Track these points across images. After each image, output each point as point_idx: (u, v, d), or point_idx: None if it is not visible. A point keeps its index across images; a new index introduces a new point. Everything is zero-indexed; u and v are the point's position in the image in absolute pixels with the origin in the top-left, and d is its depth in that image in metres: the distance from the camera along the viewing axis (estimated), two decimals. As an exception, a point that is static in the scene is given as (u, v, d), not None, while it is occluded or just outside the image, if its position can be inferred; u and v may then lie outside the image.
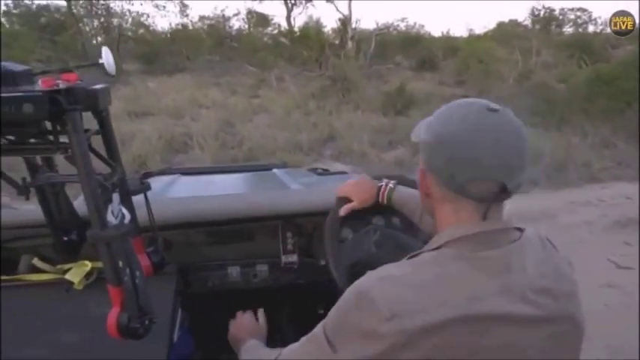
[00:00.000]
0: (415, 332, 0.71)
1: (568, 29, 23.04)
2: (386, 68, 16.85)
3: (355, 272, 1.21)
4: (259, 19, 24.15)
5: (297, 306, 1.85)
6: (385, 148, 7.91)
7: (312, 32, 20.50)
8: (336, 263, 1.23)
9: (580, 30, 22.69)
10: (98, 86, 0.99)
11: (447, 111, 0.83)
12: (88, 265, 1.36)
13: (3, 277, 1.37)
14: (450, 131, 0.79)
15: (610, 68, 8.81)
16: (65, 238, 1.29)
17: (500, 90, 11.90)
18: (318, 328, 0.86)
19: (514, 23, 22.88)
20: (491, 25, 22.73)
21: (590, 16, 23.84)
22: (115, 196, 1.05)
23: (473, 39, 20.25)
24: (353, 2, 19.86)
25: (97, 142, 1.04)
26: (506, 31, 20.60)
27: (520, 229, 0.83)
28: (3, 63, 0.91)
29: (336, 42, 18.69)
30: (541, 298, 0.76)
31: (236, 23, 24.40)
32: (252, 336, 1.26)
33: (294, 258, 1.60)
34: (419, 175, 0.88)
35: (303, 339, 0.91)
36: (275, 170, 2.74)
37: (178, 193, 2.13)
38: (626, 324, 2.88)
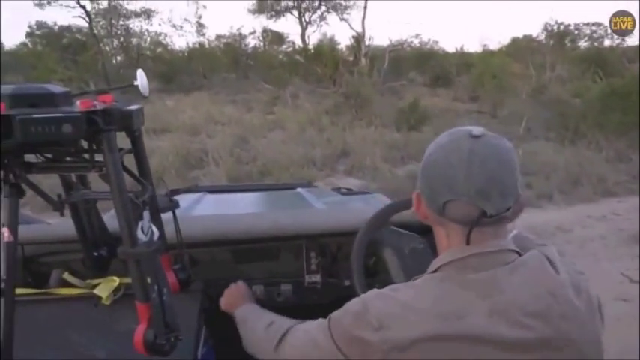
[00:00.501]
0: (398, 344, 0.77)
1: (583, 44, 22.91)
2: (400, 84, 16.90)
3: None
4: (274, 38, 24.38)
5: None
6: (398, 163, 7.96)
7: (326, 50, 20.61)
8: (360, 278, 1.24)
9: (595, 44, 22.53)
10: (132, 107, 1.04)
11: (437, 137, 0.87)
12: (116, 280, 1.39)
13: (34, 291, 1.41)
14: (431, 155, 0.85)
15: (624, 82, 8.77)
16: (95, 254, 1.32)
17: (514, 105, 11.90)
18: (325, 322, 0.91)
19: (528, 39, 22.79)
20: (506, 41, 22.58)
21: (606, 31, 23.55)
22: (146, 214, 1.08)
23: (487, 54, 20.19)
24: (366, 20, 20.13)
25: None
26: (520, 47, 20.54)
27: (517, 252, 0.83)
28: (45, 85, 0.96)
29: (350, 59, 18.76)
30: (532, 321, 0.76)
31: (252, 41, 24.50)
32: (248, 301, 1.32)
33: (317, 278, 1.60)
34: (414, 199, 0.91)
35: (312, 327, 0.96)
36: (299, 189, 2.75)
37: (204, 211, 2.14)
38: (636, 336, 2.86)
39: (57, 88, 0.97)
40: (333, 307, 1.45)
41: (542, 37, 20.84)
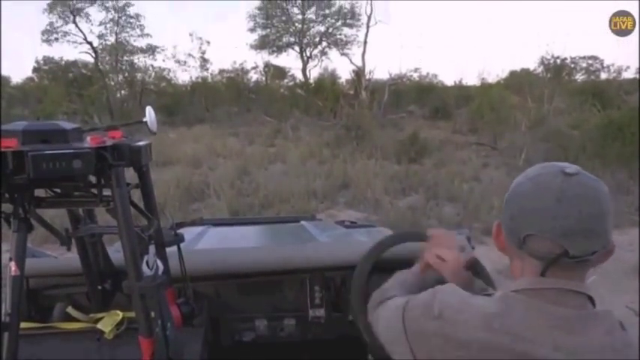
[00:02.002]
0: (453, 339, 0.78)
1: (580, 77, 23.23)
2: (399, 117, 17.07)
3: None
4: (276, 72, 24.82)
5: None
6: (399, 195, 7.96)
7: (327, 83, 21.00)
8: (363, 317, 1.22)
9: (593, 77, 22.84)
10: (141, 143, 1.05)
11: (529, 169, 0.85)
12: (120, 314, 1.38)
13: (38, 325, 1.39)
14: (518, 187, 0.83)
15: (622, 114, 8.87)
16: (99, 287, 1.33)
17: (513, 136, 11.98)
18: (403, 304, 0.91)
19: (526, 72, 23.13)
20: (504, 74, 22.91)
21: (602, 64, 24.08)
22: (151, 248, 1.10)
23: (486, 87, 20.45)
24: (366, 54, 20.54)
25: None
26: (518, 80, 20.80)
27: (592, 301, 0.81)
28: (57, 122, 0.99)
29: (351, 92, 19.05)
30: None
31: (254, 76, 25.05)
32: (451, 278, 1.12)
33: (321, 312, 1.58)
34: (494, 229, 0.90)
35: (396, 304, 0.94)
36: (303, 222, 2.76)
37: (208, 245, 2.16)
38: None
39: (68, 124, 1.00)
40: (337, 343, 1.51)
41: (540, 70, 21.20)
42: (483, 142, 12.74)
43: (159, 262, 1.13)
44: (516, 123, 13.08)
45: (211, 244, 2.20)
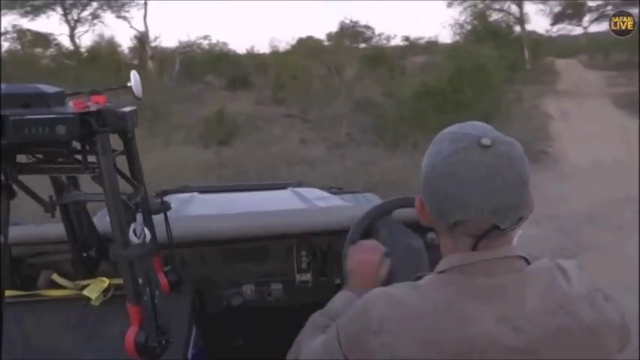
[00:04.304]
0: (397, 350, 0.74)
1: (360, 45, 24.68)
2: (197, 89, 15.60)
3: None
4: (37, 39, 20.55)
5: None
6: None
7: (104, 52, 18.19)
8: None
9: (370, 44, 24.50)
10: (126, 109, 1.04)
11: (439, 142, 0.78)
12: (106, 281, 1.36)
13: (22, 293, 1.39)
14: (435, 168, 0.77)
15: (436, 80, 8.91)
16: (84, 255, 1.34)
17: (323, 107, 11.50)
18: (334, 330, 0.85)
19: (311, 39, 23.83)
20: (293, 42, 23.21)
21: (373, 32, 25.91)
22: (138, 216, 1.10)
23: (279, 55, 20.47)
24: (148, 18, 18.19)
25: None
26: (307, 47, 21.22)
27: (526, 259, 0.78)
28: (38, 85, 0.98)
29: (135, 62, 16.92)
30: (537, 330, 0.73)
31: (5, 43, 20.19)
32: (361, 282, 1.13)
33: (308, 277, 1.62)
34: (417, 204, 0.85)
35: (321, 339, 0.90)
36: (290, 189, 2.79)
37: (194, 211, 2.19)
38: None
39: (50, 88, 0.98)
40: (323, 306, 1.57)
41: (325, 38, 21.98)
42: (292, 114, 12.01)
43: (146, 230, 1.13)
44: (321, 92, 12.70)
45: (197, 210, 2.22)
